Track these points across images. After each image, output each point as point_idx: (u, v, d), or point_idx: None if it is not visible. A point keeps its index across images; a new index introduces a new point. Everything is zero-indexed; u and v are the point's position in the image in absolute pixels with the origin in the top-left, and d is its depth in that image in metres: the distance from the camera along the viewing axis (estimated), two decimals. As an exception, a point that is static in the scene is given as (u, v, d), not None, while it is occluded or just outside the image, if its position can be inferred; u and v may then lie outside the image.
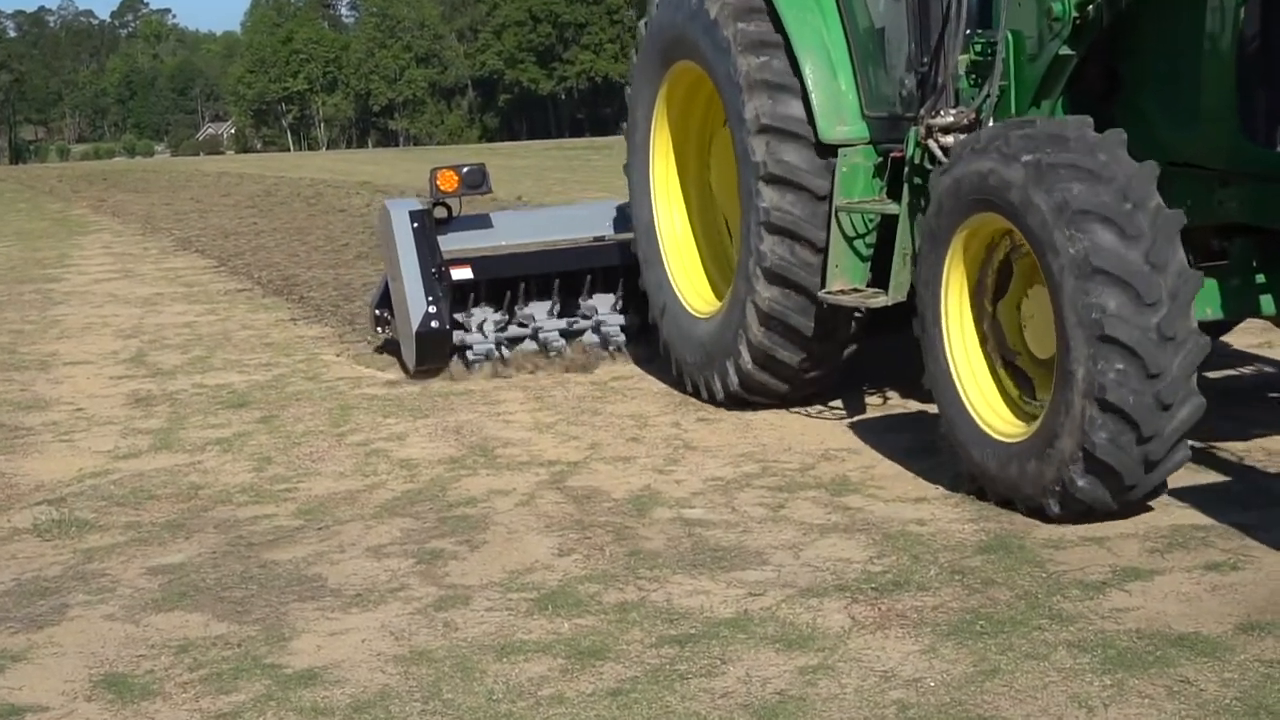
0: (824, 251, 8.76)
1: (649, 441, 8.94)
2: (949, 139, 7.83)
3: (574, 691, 5.38)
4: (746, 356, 9.12)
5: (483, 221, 11.44)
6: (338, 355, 12.31)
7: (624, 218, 11.13)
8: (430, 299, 10.58)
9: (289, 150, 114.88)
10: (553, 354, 11.08)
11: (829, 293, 8.64)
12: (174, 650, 6.04)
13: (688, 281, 10.23)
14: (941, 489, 7.53)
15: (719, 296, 9.95)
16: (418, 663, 5.74)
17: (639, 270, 10.54)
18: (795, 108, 8.88)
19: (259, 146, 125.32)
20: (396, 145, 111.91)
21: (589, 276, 11.19)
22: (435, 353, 10.75)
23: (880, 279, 8.51)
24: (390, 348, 11.63)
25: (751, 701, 5.18)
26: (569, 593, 6.42)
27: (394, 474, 8.57)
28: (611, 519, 7.45)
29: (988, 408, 7.35)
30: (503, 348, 11.03)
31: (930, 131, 7.94)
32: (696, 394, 9.81)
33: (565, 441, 9.02)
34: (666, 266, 10.24)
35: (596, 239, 11.50)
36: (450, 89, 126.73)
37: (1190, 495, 7.13)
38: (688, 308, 10.02)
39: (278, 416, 10.19)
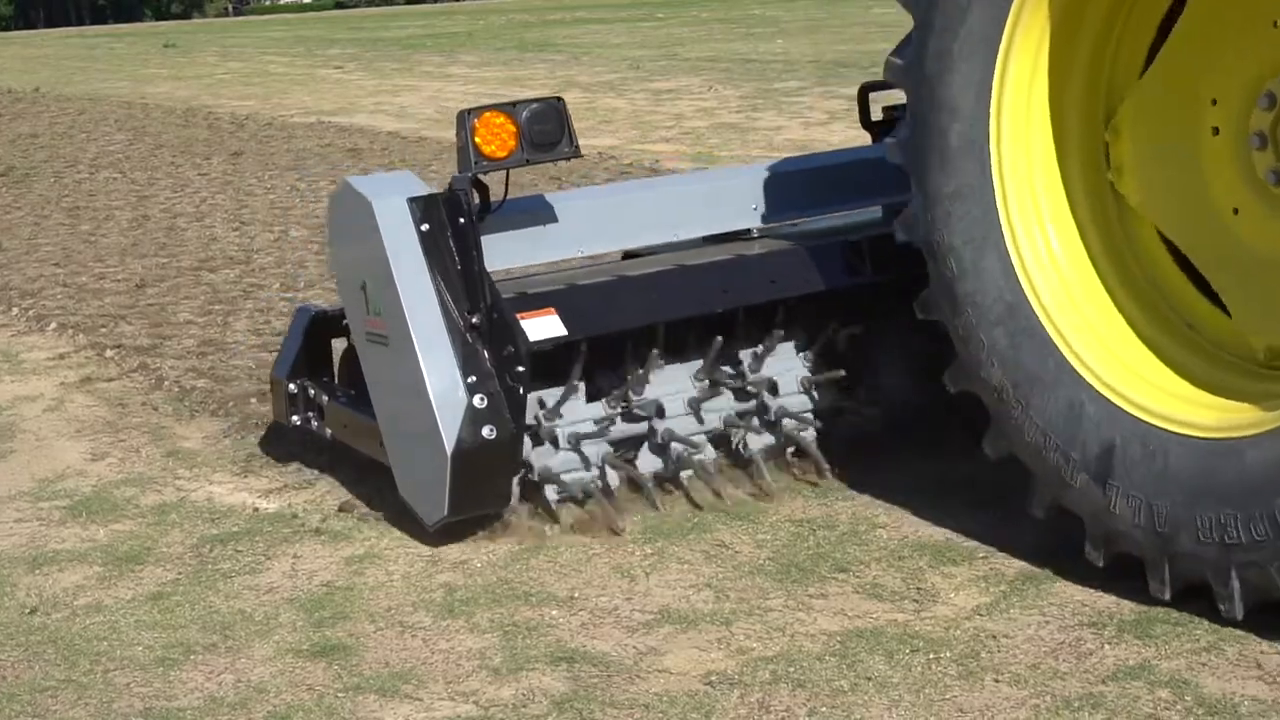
0: None
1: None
2: None
3: (112, 599, 5.20)
4: None
5: (538, 211, 5.76)
6: None
7: (788, 194, 6.12)
8: (472, 379, 5.24)
9: None
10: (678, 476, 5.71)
11: None
12: None
13: (1126, 373, 4.71)
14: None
15: (1224, 391, 4.56)
16: (-59, 581, 5.45)
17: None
18: None
19: None
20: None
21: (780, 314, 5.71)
22: (490, 486, 5.37)
23: None
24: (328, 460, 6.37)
25: (298, 595, 5.12)
26: (104, 498, 6.20)
27: (-93, 384, 8.08)
28: (148, 420, 7.21)
29: None
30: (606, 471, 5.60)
31: None
32: (1183, 597, 4.44)
33: (97, 343, 8.66)
34: (1066, 349, 4.74)
35: (731, 235, 6.08)
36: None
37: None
38: (1150, 422, 4.51)
39: None
